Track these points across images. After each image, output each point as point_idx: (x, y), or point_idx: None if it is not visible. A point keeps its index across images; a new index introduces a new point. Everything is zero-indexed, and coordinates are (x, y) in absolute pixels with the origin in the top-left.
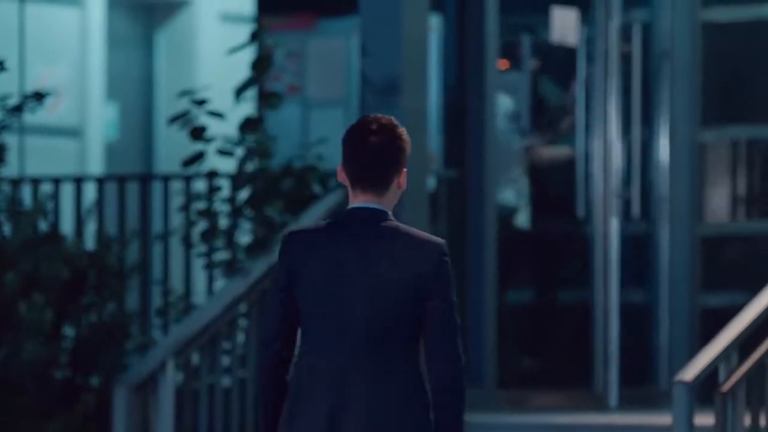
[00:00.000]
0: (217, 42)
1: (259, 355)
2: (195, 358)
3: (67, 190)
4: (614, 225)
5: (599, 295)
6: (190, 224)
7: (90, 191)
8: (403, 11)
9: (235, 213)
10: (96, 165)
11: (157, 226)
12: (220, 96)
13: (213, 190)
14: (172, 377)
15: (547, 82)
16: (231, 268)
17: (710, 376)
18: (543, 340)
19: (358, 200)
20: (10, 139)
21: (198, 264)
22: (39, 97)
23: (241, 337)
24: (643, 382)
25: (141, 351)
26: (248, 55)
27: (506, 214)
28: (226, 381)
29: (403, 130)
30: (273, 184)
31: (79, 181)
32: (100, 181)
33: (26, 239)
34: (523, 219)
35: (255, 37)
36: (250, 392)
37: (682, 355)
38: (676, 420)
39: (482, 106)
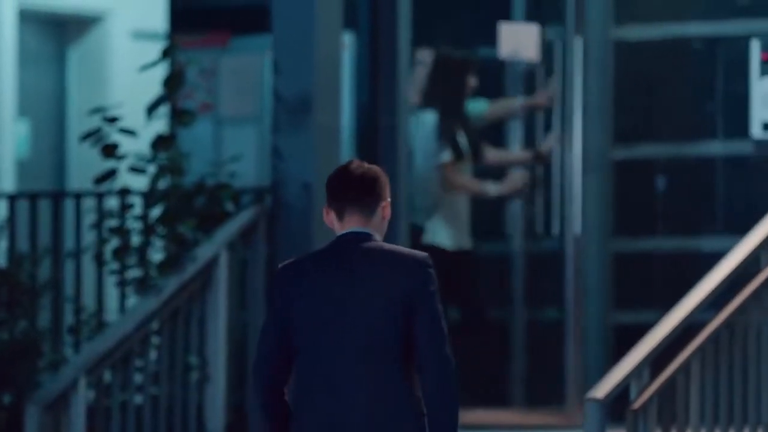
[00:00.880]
0: (129, 59)
1: (252, 381)
2: (107, 376)
3: None
4: (522, 243)
5: (519, 313)
6: (102, 242)
7: (1, 208)
8: (315, 29)
9: (148, 230)
10: (7, 182)
11: (69, 243)
12: (133, 113)
13: (125, 207)
14: (83, 395)
15: (471, 99)
16: (143, 286)
17: (622, 393)
18: (464, 359)
19: (345, 228)
20: None
21: (110, 281)
22: None
23: (153, 355)
24: (554, 400)
25: (53, 369)
26: (161, 72)
27: (420, 231)
28: (138, 398)
29: (381, 169)
30: (185, 202)
31: None
32: (12, 198)
33: None
34: (442, 236)
35: (167, 54)
36: (163, 408)
37: (594, 373)
38: None
39: (395, 124)
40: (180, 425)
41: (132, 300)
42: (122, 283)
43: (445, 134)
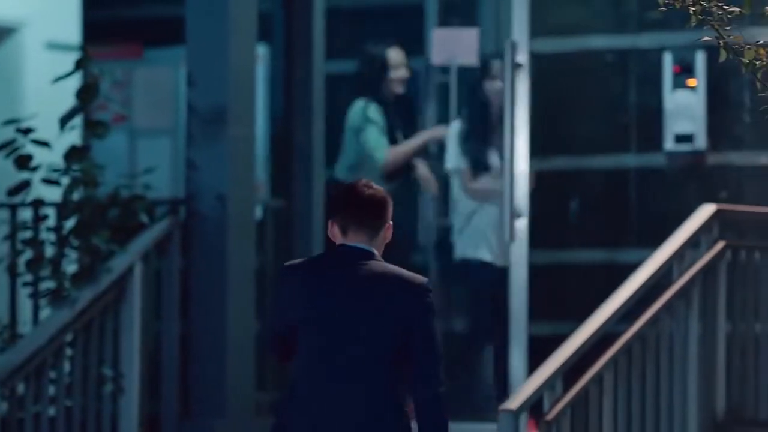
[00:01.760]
0: (43, 70)
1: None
2: (20, 388)
3: None
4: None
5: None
6: (15, 253)
7: None
8: (229, 41)
9: (62, 242)
10: None
11: None
12: (47, 124)
13: (39, 218)
14: None
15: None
16: (57, 297)
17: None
18: None
19: (350, 241)
20: None
21: (24, 293)
22: None
23: (67, 367)
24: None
25: None
26: (75, 83)
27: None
28: (51, 410)
29: (387, 192)
30: (99, 213)
31: None
32: None
33: None
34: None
35: (80, 65)
36: (76, 421)
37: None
38: None
39: (309, 136)
40: None
41: (46, 312)
42: (36, 295)
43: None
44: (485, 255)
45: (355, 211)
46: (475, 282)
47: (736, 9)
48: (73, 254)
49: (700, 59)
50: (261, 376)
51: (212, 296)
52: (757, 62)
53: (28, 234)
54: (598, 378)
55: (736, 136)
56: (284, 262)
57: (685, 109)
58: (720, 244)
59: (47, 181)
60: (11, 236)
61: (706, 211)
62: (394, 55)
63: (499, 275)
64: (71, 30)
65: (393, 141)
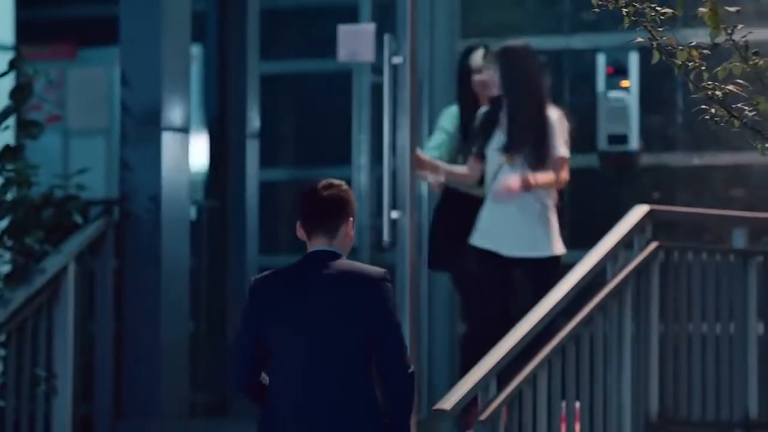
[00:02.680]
0: None
1: (232, 382)
2: None
3: None
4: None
5: None
6: None
7: None
8: (163, 41)
9: None
10: None
11: None
12: None
13: None
14: None
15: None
16: None
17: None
18: None
19: (313, 245)
20: None
21: None
22: None
23: (0, 367)
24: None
25: None
26: (9, 83)
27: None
28: None
29: (348, 188)
30: (33, 214)
31: None
32: None
33: None
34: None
35: (13, 65)
36: (9, 421)
37: (443, 383)
38: None
39: (243, 136)
40: None
41: None
42: None
43: None
44: None
45: (313, 213)
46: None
47: (669, 10)
48: (6, 254)
49: (633, 60)
50: (195, 376)
51: (146, 296)
52: (690, 63)
53: None
54: (532, 378)
55: (669, 137)
56: (218, 261)
57: (618, 110)
58: (653, 245)
59: None
60: None
61: (639, 211)
62: (477, 57)
63: None
64: (4, 30)
65: (466, 147)
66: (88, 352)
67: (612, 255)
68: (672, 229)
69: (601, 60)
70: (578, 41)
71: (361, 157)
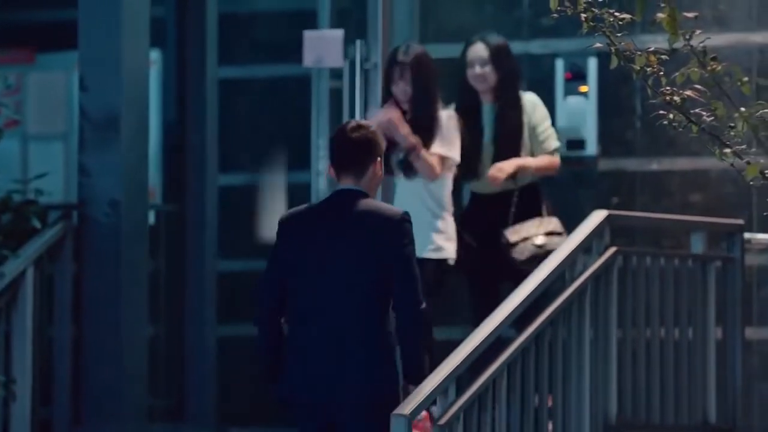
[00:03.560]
0: None
1: (256, 305)
2: None
3: None
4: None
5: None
6: None
7: None
8: (122, 46)
9: None
10: None
11: None
12: None
13: None
14: None
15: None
16: None
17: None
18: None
19: (342, 184)
20: None
21: None
22: None
23: None
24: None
25: None
26: None
27: None
28: None
29: (376, 129)
30: None
31: None
32: None
33: None
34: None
35: None
36: None
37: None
38: None
39: (202, 141)
40: None
41: None
42: None
43: None
44: None
45: (341, 154)
46: None
47: (627, 16)
48: None
49: (591, 66)
50: (154, 381)
51: (105, 301)
52: (648, 69)
53: None
54: (491, 382)
55: (628, 142)
56: (177, 267)
57: (576, 115)
58: (611, 250)
59: None
60: None
61: (597, 216)
62: (472, 51)
63: None
64: None
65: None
66: (47, 356)
67: (570, 260)
68: (630, 234)
69: (559, 65)
70: (537, 46)
71: (320, 162)
